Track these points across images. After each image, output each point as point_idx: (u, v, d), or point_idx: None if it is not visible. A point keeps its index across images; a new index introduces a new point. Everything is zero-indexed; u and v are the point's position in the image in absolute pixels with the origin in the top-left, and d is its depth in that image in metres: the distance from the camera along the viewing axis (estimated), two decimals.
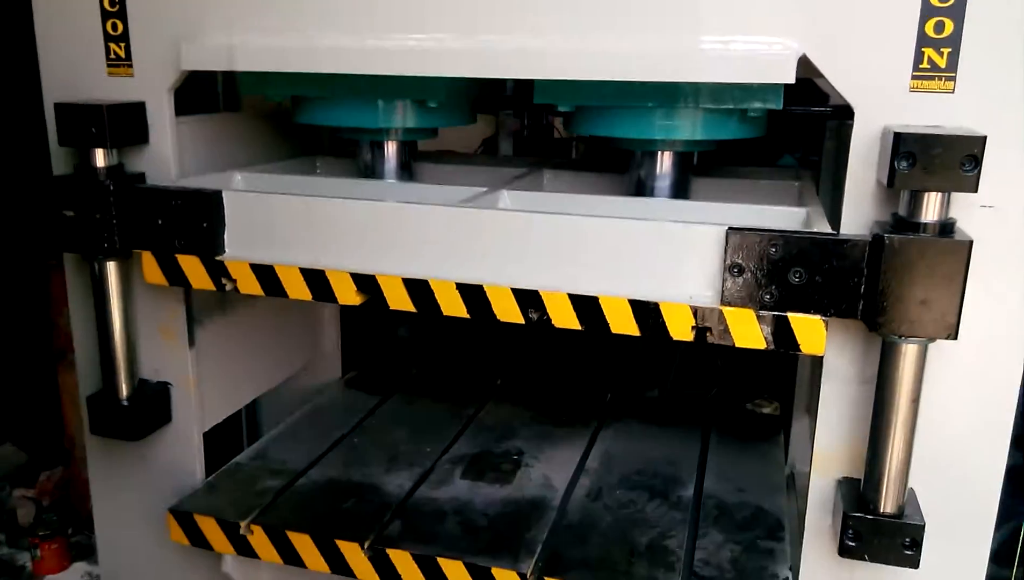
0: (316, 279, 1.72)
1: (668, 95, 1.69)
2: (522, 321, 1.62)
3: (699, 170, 2.17)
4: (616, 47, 1.54)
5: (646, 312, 1.54)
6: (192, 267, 1.80)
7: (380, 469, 2.14)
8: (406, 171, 2.15)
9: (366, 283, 1.69)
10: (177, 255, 1.80)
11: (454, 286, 1.64)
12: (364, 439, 2.33)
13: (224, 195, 1.79)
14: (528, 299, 1.60)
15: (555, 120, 3.46)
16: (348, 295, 1.71)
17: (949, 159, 1.31)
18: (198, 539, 1.93)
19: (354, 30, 1.72)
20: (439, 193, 1.91)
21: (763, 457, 2.24)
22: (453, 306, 1.65)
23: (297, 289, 1.74)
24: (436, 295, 1.66)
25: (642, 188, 1.97)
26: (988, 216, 1.43)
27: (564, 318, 1.59)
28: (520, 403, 2.57)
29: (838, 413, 1.56)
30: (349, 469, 2.14)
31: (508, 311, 1.62)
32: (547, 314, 1.60)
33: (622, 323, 1.56)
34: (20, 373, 4.24)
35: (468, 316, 1.65)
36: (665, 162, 1.92)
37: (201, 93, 2.29)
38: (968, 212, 1.42)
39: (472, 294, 1.63)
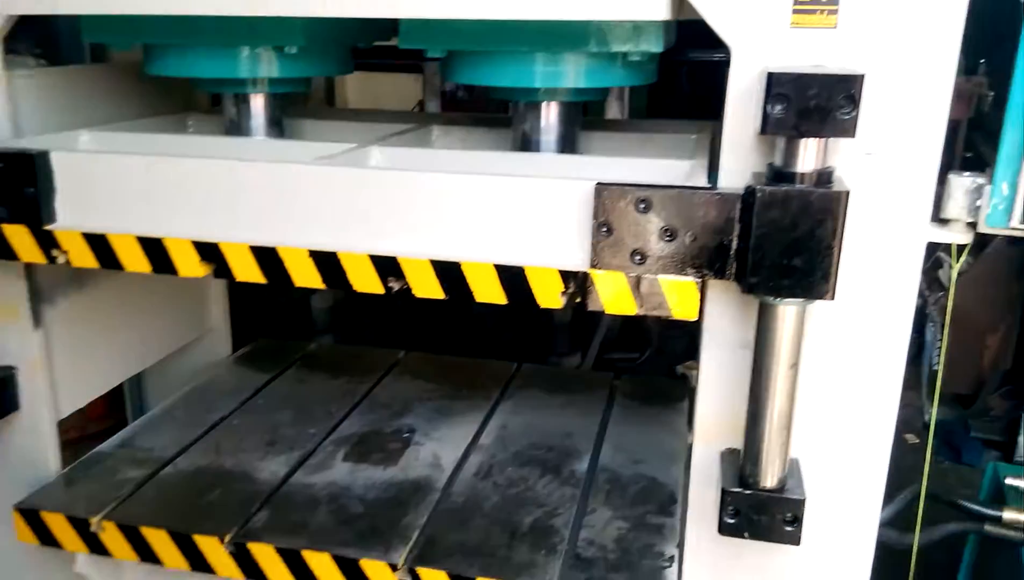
0: (154, 249, 1.55)
1: (541, 37, 1.54)
2: (382, 291, 1.47)
3: (599, 123, 2.04)
4: None
5: (512, 278, 1.41)
6: (19, 238, 1.61)
7: (256, 455, 1.98)
8: (276, 127, 1.97)
9: (209, 252, 1.52)
10: (2, 225, 1.61)
11: (307, 253, 1.48)
12: (245, 421, 2.16)
13: (53, 156, 1.59)
14: (387, 266, 1.46)
15: None
16: (190, 266, 1.54)
17: (825, 101, 1.18)
18: (47, 538, 1.76)
19: None
20: (302, 150, 1.74)
21: (665, 425, 2.14)
22: (306, 276, 1.49)
23: (134, 261, 1.56)
24: (286, 264, 1.50)
25: (528, 143, 1.82)
26: (871, 164, 1.32)
27: (426, 287, 1.45)
28: (421, 376, 2.43)
29: (719, 380, 1.46)
30: (221, 456, 1.98)
31: (366, 280, 1.47)
32: (407, 283, 1.45)
33: (487, 291, 1.43)
34: None
35: (323, 286, 1.50)
36: (550, 114, 1.78)
37: (47, 43, 2.07)
38: (849, 161, 1.31)
39: (326, 262, 1.48)
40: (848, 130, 1.19)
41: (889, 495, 1.54)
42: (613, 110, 3.09)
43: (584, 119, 1.89)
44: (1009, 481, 1.97)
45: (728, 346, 1.44)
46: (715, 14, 1.31)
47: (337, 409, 2.22)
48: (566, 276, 1.39)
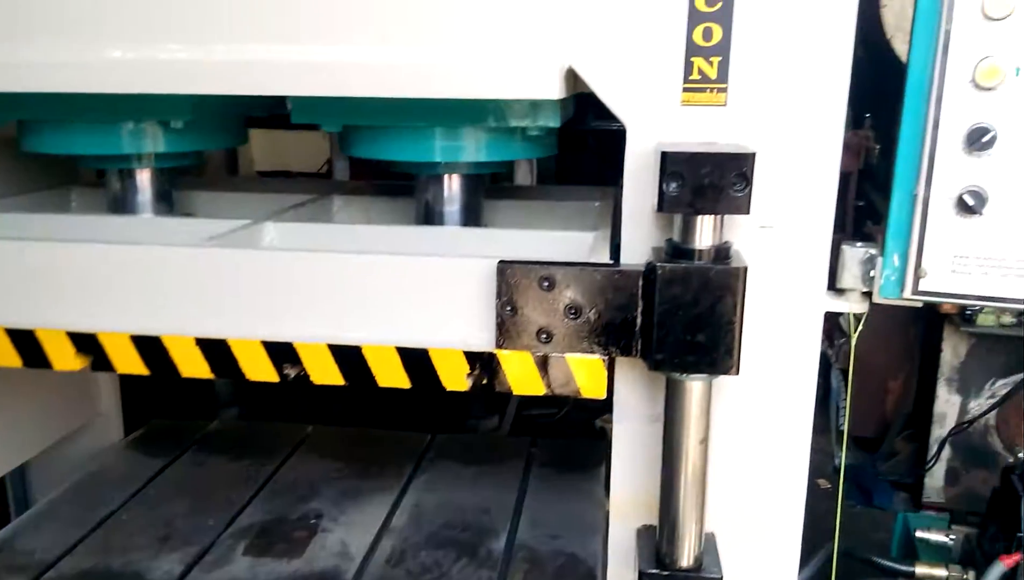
0: (25, 341, 1.43)
1: (438, 113, 1.51)
2: (276, 379, 1.39)
3: (505, 190, 2.03)
4: (363, 59, 1.34)
5: (416, 361, 1.36)
6: None
7: (148, 552, 1.83)
8: (165, 202, 1.87)
9: (86, 343, 1.41)
10: None
11: (193, 342, 1.39)
12: (136, 515, 2.01)
13: None
14: (282, 353, 1.38)
15: None
16: (65, 359, 1.42)
17: (718, 179, 1.19)
18: None
19: (61, 40, 1.44)
20: (190, 230, 1.65)
21: (583, 494, 2.10)
22: (193, 365, 1.40)
23: (3, 354, 1.44)
24: (170, 353, 1.40)
25: (431, 214, 1.79)
26: (767, 237, 1.33)
27: (324, 373, 1.38)
28: (329, 454, 2.32)
29: (632, 456, 1.43)
30: (110, 556, 1.82)
31: (259, 368, 1.39)
32: (304, 370, 1.38)
33: (390, 375, 1.37)
34: None
35: (212, 376, 1.41)
36: (452, 186, 1.75)
37: None
38: (746, 234, 1.33)
39: (214, 350, 1.39)
40: (742, 207, 1.20)
41: (806, 545, 1.53)
42: (523, 171, 3.11)
43: (491, 186, 1.88)
44: (919, 534, 2.01)
45: (639, 421, 1.42)
46: (608, 92, 1.32)
47: (238, 495, 2.09)
48: (471, 357, 1.35)
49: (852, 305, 1.35)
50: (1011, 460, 2.06)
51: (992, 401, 2.50)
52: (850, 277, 1.33)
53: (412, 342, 1.35)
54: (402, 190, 1.99)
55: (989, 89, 1.11)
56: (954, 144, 1.15)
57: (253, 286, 1.39)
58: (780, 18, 1.24)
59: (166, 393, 2.73)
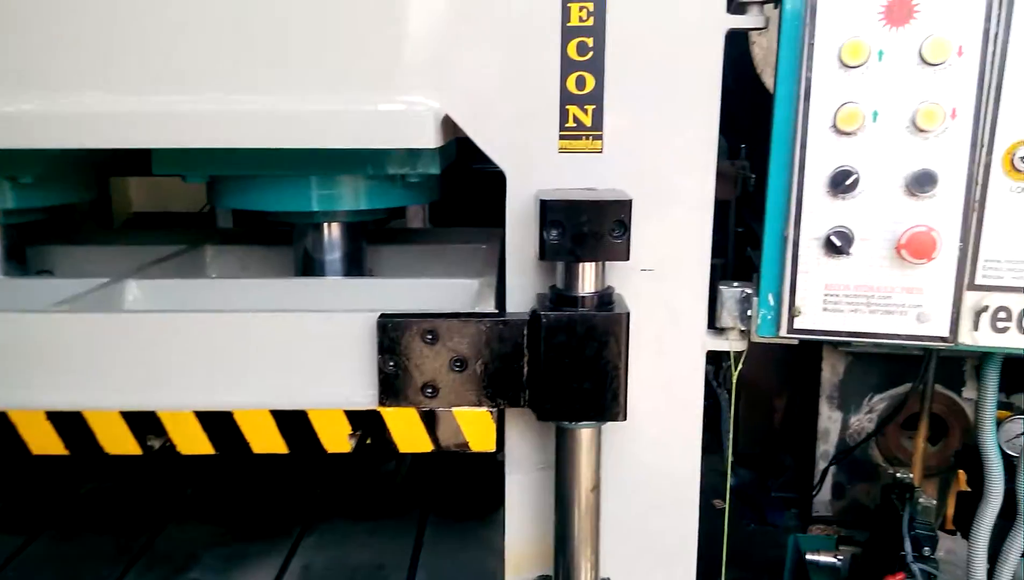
0: None
1: (313, 162, 1.45)
2: (139, 451, 1.28)
3: (390, 234, 1.97)
4: (227, 108, 1.27)
5: (293, 424, 1.28)
6: None
7: None
8: (13, 261, 1.72)
9: None
10: None
11: (43, 416, 1.27)
12: None
13: None
14: (144, 423, 1.27)
15: None
16: None
17: (597, 226, 1.19)
18: None
19: None
20: (42, 292, 1.52)
21: (481, 541, 2.05)
22: (44, 442, 1.27)
23: None
24: (18, 429, 1.27)
25: (311, 263, 1.72)
26: (649, 280, 1.34)
27: (192, 442, 1.28)
28: (209, 519, 2.17)
29: (524, 506, 1.40)
30: None
31: (119, 441, 1.28)
32: (170, 440, 1.28)
33: (265, 441, 1.28)
34: None
35: (67, 452, 1.28)
36: (332, 234, 1.69)
37: None
38: (629, 277, 1.33)
39: (68, 424, 1.27)
40: (621, 253, 1.20)
41: (707, 566, 1.53)
42: (416, 211, 3.06)
43: (376, 230, 1.82)
44: (809, 556, 2.06)
45: (531, 470, 1.39)
46: (486, 139, 1.30)
47: (109, 571, 1.92)
48: (354, 417, 1.28)
49: (732, 343, 1.37)
50: (891, 473, 2.14)
51: (871, 416, 2.62)
52: (728, 316, 1.35)
53: (288, 404, 1.27)
54: (281, 237, 1.91)
55: (850, 134, 1.16)
56: (819, 187, 1.19)
57: (111, 352, 1.28)
58: (649, 68, 1.26)
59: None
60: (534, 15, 1.25)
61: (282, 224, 1.74)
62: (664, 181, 1.31)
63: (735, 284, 1.36)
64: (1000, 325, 1.16)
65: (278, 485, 2.37)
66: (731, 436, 2.45)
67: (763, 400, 3.04)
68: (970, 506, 1.56)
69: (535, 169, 1.30)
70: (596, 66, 1.27)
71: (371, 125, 1.27)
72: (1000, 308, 1.16)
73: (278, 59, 1.27)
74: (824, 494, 2.73)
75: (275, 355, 1.28)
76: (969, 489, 2.06)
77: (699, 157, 1.29)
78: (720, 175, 1.31)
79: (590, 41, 1.25)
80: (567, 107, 1.28)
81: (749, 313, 1.32)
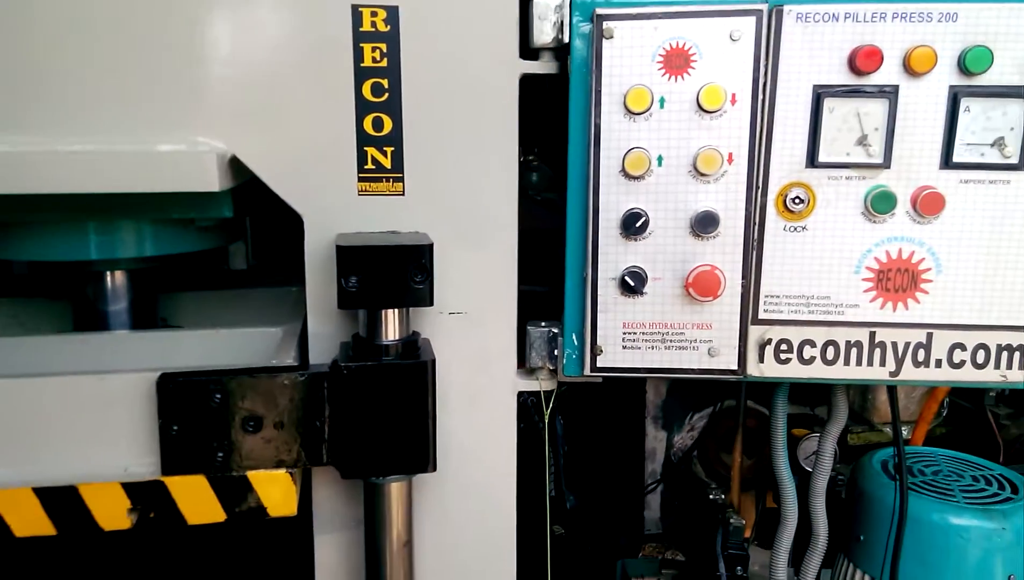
0: None
1: (86, 206, 1.32)
2: None
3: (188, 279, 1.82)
4: None
5: (61, 501, 1.13)
6: None
7: None
8: None
9: None
10: None
11: None
12: None
13: None
14: None
15: None
16: None
17: (397, 272, 1.15)
18: None
19: None
20: None
21: None
22: None
23: None
24: None
25: (94, 316, 1.55)
26: (459, 323, 1.32)
27: None
28: None
29: (336, 565, 1.32)
30: None
31: None
32: None
33: (27, 522, 1.13)
34: None
35: None
36: (116, 283, 1.53)
37: None
38: (437, 321, 1.30)
39: None
40: (424, 299, 1.17)
41: None
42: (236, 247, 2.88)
43: (176, 274, 1.68)
44: None
45: (342, 528, 1.32)
46: (279, 182, 1.23)
47: None
48: (134, 489, 1.16)
49: (542, 383, 1.37)
50: (710, 495, 2.24)
51: (692, 434, 2.74)
52: (537, 357, 1.35)
53: (54, 479, 1.13)
54: (64, 288, 1.72)
55: (638, 178, 1.20)
56: (612, 229, 1.22)
57: None
58: (448, 110, 1.25)
59: None
60: (326, 55, 1.20)
61: (64, 274, 1.56)
62: (468, 223, 1.29)
63: (543, 324, 1.36)
64: (783, 357, 1.23)
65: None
66: (552, 469, 2.47)
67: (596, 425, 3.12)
68: (772, 524, 1.65)
69: (334, 213, 1.25)
70: (393, 107, 1.24)
71: (147, 167, 1.16)
72: (782, 340, 1.23)
73: (42, 96, 1.15)
74: (654, 511, 2.82)
75: (39, 424, 1.14)
76: (776, 506, 2.19)
77: (502, 199, 1.29)
78: (553, 203, 1.32)
79: (385, 82, 1.22)
80: (365, 149, 1.24)
81: (556, 352, 1.33)
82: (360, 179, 1.25)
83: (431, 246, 1.16)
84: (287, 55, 1.20)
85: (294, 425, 1.17)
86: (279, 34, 1.20)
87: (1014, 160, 1.14)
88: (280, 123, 1.22)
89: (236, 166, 1.22)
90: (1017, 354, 1.19)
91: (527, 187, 1.65)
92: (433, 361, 1.19)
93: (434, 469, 1.20)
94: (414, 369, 1.17)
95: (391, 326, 1.20)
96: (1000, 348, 1.19)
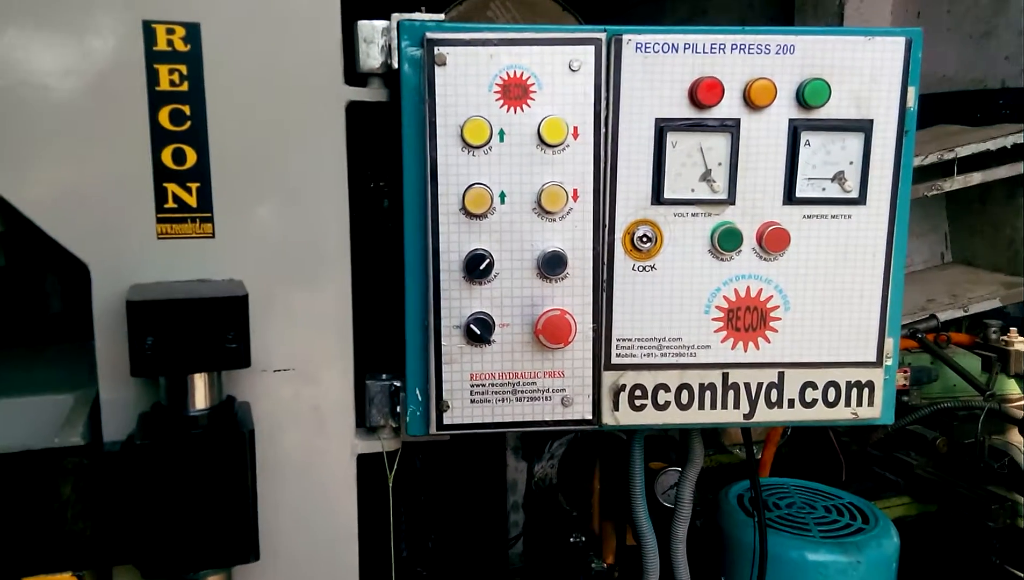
0: None
1: None
2: None
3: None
4: None
5: None
6: None
7: None
8: None
9: None
10: None
11: None
12: None
13: None
14: None
15: None
16: None
17: (205, 329, 0.99)
18: None
19: None
20: None
21: None
22: None
23: None
24: None
25: None
26: (287, 381, 1.16)
27: None
28: None
29: None
30: None
31: None
32: None
33: None
34: None
35: None
36: None
37: None
38: (260, 380, 1.14)
39: None
40: (239, 359, 1.01)
41: None
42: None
43: None
44: None
45: None
46: (55, 224, 1.04)
47: None
48: None
49: (384, 444, 1.23)
50: (571, 539, 2.17)
51: (552, 462, 2.68)
52: (378, 414, 1.22)
53: None
54: None
55: (480, 216, 1.10)
56: (455, 272, 1.11)
57: None
58: (263, 140, 1.10)
59: None
60: (112, 78, 1.03)
61: None
62: (293, 266, 1.15)
63: (384, 376, 1.23)
64: (638, 403, 1.17)
65: None
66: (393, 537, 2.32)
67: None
68: (635, 560, 1.59)
69: (128, 260, 1.07)
70: (197, 137, 1.07)
71: None
72: (636, 386, 1.16)
73: None
74: (519, 546, 2.72)
75: None
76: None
77: (331, 237, 1.16)
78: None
79: (187, 108, 1.06)
80: (165, 185, 1.07)
81: (399, 408, 1.20)
82: (160, 220, 1.08)
83: (245, 297, 1.01)
84: (65, 79, 1.02)
85: (79, 518, 0.97)
86: (55, 54, 1.02)
87: (854, 194, 1.13)
88: (57, 156, 1.03)
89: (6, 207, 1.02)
90: (867, 390, 1.18)
91: (383, 215, 1.50)
92: (251, 431, 1.03)
93: (257, 557, 1.04)
94: (228, 442, 1.01)
95: (200, 392, 1.03)
96: (850, 385, 1.18)
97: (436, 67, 1.06)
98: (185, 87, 1.06)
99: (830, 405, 1.19)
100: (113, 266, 1.06)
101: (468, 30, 1.07)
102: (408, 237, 1.13)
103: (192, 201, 1.09)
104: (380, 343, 1.27)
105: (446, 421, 1.15)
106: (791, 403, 1.19)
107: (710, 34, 1.09)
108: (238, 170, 1.10)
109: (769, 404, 1.18)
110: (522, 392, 1.16)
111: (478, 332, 1.11)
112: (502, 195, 1.10)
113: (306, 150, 1.12)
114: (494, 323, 1.13)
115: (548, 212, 1.10)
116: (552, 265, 1.10)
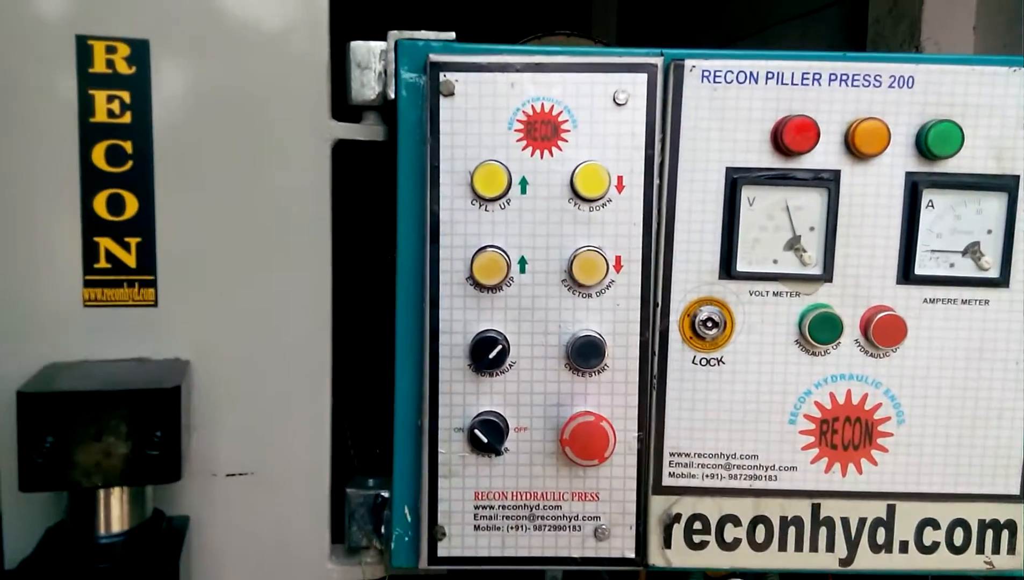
0: None
1: None
2: None
3: None
4: None
5: None
6: None
7: None
8: None
9: None
10: None
11: None
12: None
13: None
14: None
15: None
16: None
17: (120, 428, 0.75)
18: None
19: None
20: None
21: None
22: None
23: None
24: None
25: None
26: (243, 488, 0.91)
27: None
28: None
29: None
30: None
31: None
32: None
33: None
34: None
35: None
36: None
37: None
38: (210, 487, 0.90)
39: None
40: (165, 472, 0.76)
41: None
42: None
43: None
44: None
45: None
46: None
47: None
48: None
49: (366, 570, 0.97)
50: None
51: None
52: (359, 531, 0.96)
53: None
54: None
55: (493, 288, 0.85)
56: (458, 359, 0.86)
57: None
58: (223, 184, 0.88)
59: None
60: (34, 106, 0.82)
61: None
62: (256, 346, 0.91)
63: (369, 483, 0.97)
64: (697, 539, 0.88)
65: None
66: None
67: None
68: None
69: (45, 334, 0.84)
70: (140, 181, 0.85)
71: None
72: (695, 516, 0.88)
73: None
74: None
75: None
76: None
77: (307, 310, 0.92)
78: None
79: (128, 145, 0.85)
80: (96, 239, 0.85)
81: (385, 528, 0.94)
82: (88, 283, 0.85)
83: (176, 390, 0.77)
84: None
85: None
86: None
87: (993, 273, 0.85)
88: None
89: None
90: (1006, 532, 0.88)
91: (376, 277, 1.26)
92: (175, 567, 0.77)
93: None
94: (150, 577, 0.76)
95: (115, 511, 0.79)
96: (984, 525, 0.88)
97: (441, 97, 0.83)
98: (127, 118, 0.84)
99: (956, 551, 0.89)
100: (27, 342, 0.84)
101: (483, 52, 0.83)
102: (400, 312, 0.88)
103: (130, 260, 0.86)
104: (367, 435, 1.02)
105: (441, 552, 0.89)
106: (904, 547, 0.89)
107: (801, 60, 0.83)
108: (190, 223, 0.87)
109: (875, 547, 0.88)
110: (542, 519, 0.88)
111: (485, 440, 0.85)
112: (522, 262, 0.85)
113: (278, 199, 0.89)
114: (507, 427, 0.86)
115: (582, 285, 0.84)
116: (585, 354, 0.84)
